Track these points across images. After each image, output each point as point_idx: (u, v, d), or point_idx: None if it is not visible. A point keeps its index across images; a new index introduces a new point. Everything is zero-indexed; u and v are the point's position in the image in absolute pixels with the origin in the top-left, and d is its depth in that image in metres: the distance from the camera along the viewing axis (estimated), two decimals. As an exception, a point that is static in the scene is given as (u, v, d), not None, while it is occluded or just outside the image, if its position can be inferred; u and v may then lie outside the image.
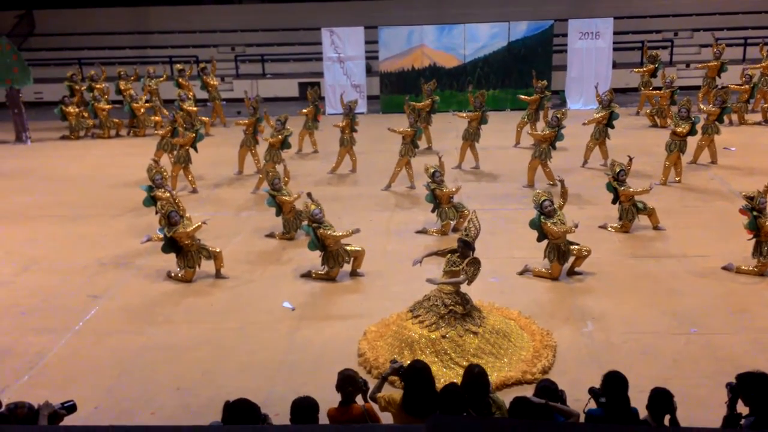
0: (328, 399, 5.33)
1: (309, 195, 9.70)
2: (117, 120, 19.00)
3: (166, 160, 14.05)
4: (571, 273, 9.32)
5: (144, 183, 11.35)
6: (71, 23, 24.92)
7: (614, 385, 5.06)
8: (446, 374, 6.92)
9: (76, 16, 25.02)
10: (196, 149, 13.59)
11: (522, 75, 19.88)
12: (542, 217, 9.07)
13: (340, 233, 9.26)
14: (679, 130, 12.78)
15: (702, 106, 14.33)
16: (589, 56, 20.36)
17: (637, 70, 19.22)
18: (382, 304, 8.60)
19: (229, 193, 13.56)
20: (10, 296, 9.38)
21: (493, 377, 6.62)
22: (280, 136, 13.49)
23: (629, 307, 8.42)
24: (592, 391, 5.17)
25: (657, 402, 4.95)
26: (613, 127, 14.18)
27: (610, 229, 10.83)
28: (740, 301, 8.54)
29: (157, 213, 10.24)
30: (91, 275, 9.93)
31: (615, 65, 20.97)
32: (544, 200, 9.11)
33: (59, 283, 9.72)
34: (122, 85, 19.48)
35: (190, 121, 13.94)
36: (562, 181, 9.62)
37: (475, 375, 5.29)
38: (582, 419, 5.07)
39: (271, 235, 11.09)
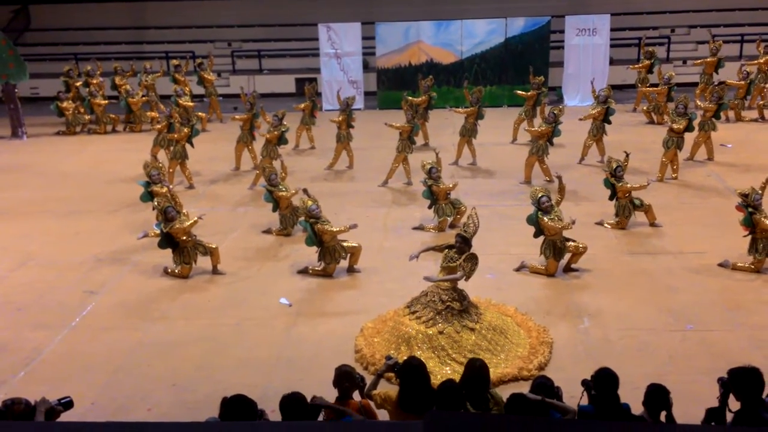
0: (325, 395, 5.33)
1: (305, 191, 9.69)
2: (113, 115, 18.96)
3: (163, 156, 14.03)
4: (568, 269, 9.34)
5: (141, 179, 11.32)
6: (67, 18, 24.82)
7: (605, 382, 5.08)
8: (443, 370, 6.93)
9: (71, 11, 24.91)
10: (192, 144, 13.57)
11: (519, 71, 19.85)
12: (539, 213, 9.09)
13: (337, 229, 9.26)
14: (676, 126, 12.80)
15: (699, 103, 14.35)
16: (586, 53, 20.37)
17: (633, 66, 19.23)
18: (378, 300, 8.61)
19: (225, 189, 13.55)
20: (5, 292, 9.36)
21: (490, 373, 6.61)
22: (276, 132, 13.48)
23: (625, 304, 8.44)
24: (585, 383, 5.18)
25: (653, 398, 4.97)
26: (610, 122, 14.18)
27: (606, 225, 10.85)
28: (736, 297, 8.56)
29: (154, 209, 10.22)
30: (88, 271, 9.91)
31: (612, 62, 20.98)
32: (541, 196, 9.12)
33: (55, 278, 9.70)
34: (118, 80, 19.44)
35: (186, 116, 13.91)
36: (559, 178, 9.63)
37: (477, 369, 5.31)
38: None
39: (268, 231, 11.09)
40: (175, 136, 13.34)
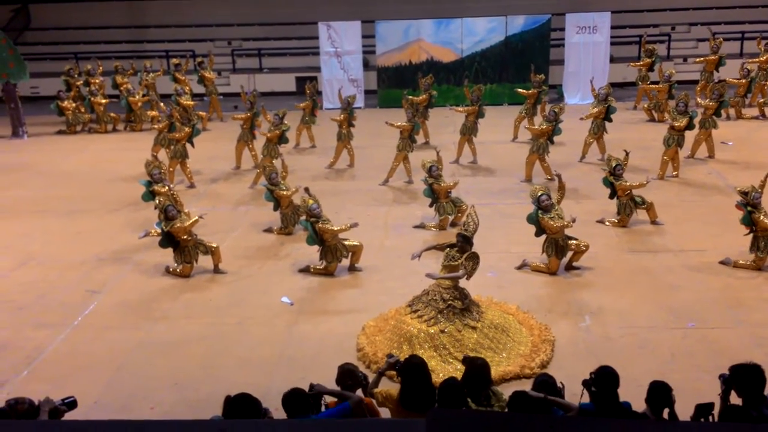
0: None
1: (306, 190, 9.70)
2: (114, 114, 18.96)
3: (163, 155, 14.04)
4: (569, 268, 9.34)
5: (142, 178, 11.33)
6: (67, 17, 24.81)
7: (605, 380, 5.09)
8: (445, 369, 6.94)
9: (72, 10, 24.91)
10: (192, 144, 13.57)
11: (519, 69, 19.87)
12: (539, 211, 9.09)
13: (338, 228, 9.26)
14: (676, 124, 12.80)
15: (700, 101, 14.35)
16: (587, 50, 20.36)
17: (633, 64, 19.23)
18: (380, 298, 8.61)
19: (226, 188, 13.55)
20: (7, 291, 9.37)
21: (492, 372, 6.62)
22: (277, 131, 13.47)
23: (627, 302, 8.44)
24: (585, 384, 5.20)
25: (656, 395, 4.97)
26: (611, 121, 14.18)
27: (607, 223, 10.85)
28: (737, 295, 8.57)
29: (156, 208, 10.23)
30: (89, 270, 9.92)
31: (612, 59, 20.97)
32: (542, 195, 9.13)
33: (57, 278, 9.71)
34: (119, 79, 19.44)
35: (186, 115, 13.91)
36: (559, 176, 9.64)
37: (478, 367, 5.33)
38: None
39: (269, 230, 11.09)
40: (176, 135, 13.34)
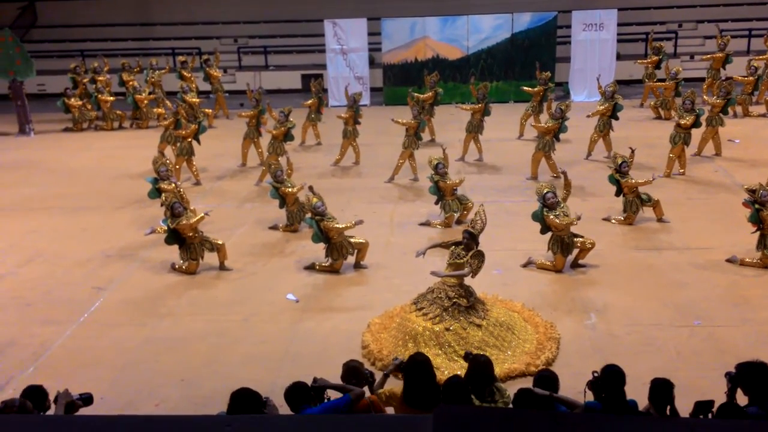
0: (332, 391, 5.34)
1: (310, 188, 9.70)
2: (120, 112, 19.01)
3: (170, 152, 14.07)
4: (575, 265, 9.32)
5: (148, 175, 11.36)
6: (73, 15, 24.89)
7: (611, 378, 5.08)
8: (450, 366, 6.94)
9: (78, 8, 24.98)
10: (198, 141, 13.59)
11: (525, 67, 19.83)
12: (545, 209, 9.07)
13: (343, 225, 9.26)
14: (683, 122, 12.76)
15: (706, 98, 14.30)
16: (593, 48, 20.32)
17: (640, 61, 19.18)
18: (385, 296, 8.62)
19: (232, 185, 13.57)
20: (14, 288, 9.41)
21: (497, 369, 6.62)
22: (283, 128, 13.49)
23: (632, 300, 8.42)
24: (589, 384, 5.20)
25: (658, 392, 4.95)
26: (617, 118, 14.15)
27: (613, 221, 10.83)
28: (744, 293, 8.54)
29: (162, 205, 10.25)
30: (95, 267, 9.95)
31: (619, 57, 20.91)
32: (547, 192, 9.11)
33: (63, 275, 9.75)
34: (125, 76, 19.47)
35: (192, 113, 13.93)
36: (565, 173, 9.61)
37: (481, 364, 5.35)
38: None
39: (274, 227, 11.10)
40: (183, 132, 13.37)
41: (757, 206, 8.96)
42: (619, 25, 20.56)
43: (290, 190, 10.67)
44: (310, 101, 16.16)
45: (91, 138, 18.18)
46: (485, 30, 20.53)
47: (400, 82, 20.50)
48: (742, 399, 5.04)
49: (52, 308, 8.77)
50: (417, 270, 8.51)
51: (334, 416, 4.72)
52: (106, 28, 24.62)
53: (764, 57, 18.15)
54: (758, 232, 9.11)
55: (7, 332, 8.20)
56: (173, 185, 10.61)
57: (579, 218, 9.04)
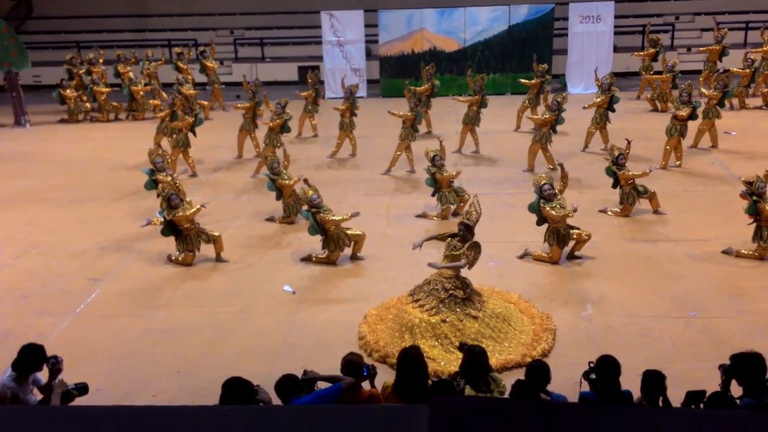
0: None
1: (306, 180, 9.69)
2: (116, 103, 18.96)
3: (166, 144, 14.04)
4: (571, 257, 9.34)
5: (144, 166, 11.34)
6: (69, 6, 24.77)
7: (606, 369, 5.10)
8: (447, 358, 6.96)
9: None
10: (194, 133, 13.56)
11: (522, 59, 19.82)
12: (541, 201, 9.08)
13: (339, 218, 9.26)
14: (679, 114, 12.76)
15: (703, 91, 14.30)
16: (590, 40, 20.30)
17: (637, 53, 19.17)
18: (381, 287, 8.62)
19: (228, 177, 13.55)
20: (10, 279, 9.40)
21: (494, 360, 6.65)
22: (279, 120, 13.47)
23: (628, 291, 8.44)
24: (585, 375, 5.22)
25: (650, 384, 4.97)
26: (614, 110, 14.15)
27: (609, 213, 10.84)
28: (739, 285, 8.56)
29: (158, 196, 10.24)
30: (92, 259, 9.94)
31: (616, 49, 20.89)
32: (544, 184, 9.11)
33: (59, 266, 9.73)
34: (121, 68, 19.41)
35: (188, 104, 13.90)
36: (561, 165, 9.61)
37: (476, 355, 5.37)
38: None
39: (271, 219, 11.10)
40: (179, 124, 13.33)
41: (754, 198, 8.98)
42: (616, 17, 20.53)
43: (287, 182, 10.66)
44: (306, 93, 16.13)
45: (86, 129, 18.13)
46: (482, 22, 20.50)
47: (396, 74, 20.45)
48: (736, 391, 5.07)
49: (49, 300, 8.76)
50: (413, 262, 8.52)
51: (330, 406, 4.73)
52: (102, 19, 24.53)
53: (761, 49, 18.14)
54: (754, 224, 9.13)
55: (3, 324, 8.19)
56: (170, 177, 10.59)
57: (575, 210, 9.05)
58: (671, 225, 10.46)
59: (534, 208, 9.20)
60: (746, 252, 9.20)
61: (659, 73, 17.82)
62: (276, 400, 5.17)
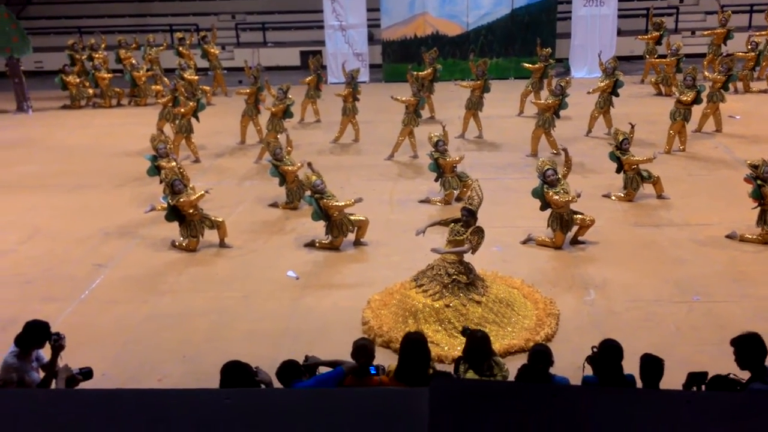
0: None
1: (309, 165, 9.68)
2: (118, 89, 18.92)
3: (169, 130, 14.02)
4: (575, 242, 9.33)
5: (147, 152, 11.33)
6: (70, -9, 24.69)
7: (609, 353, 5.11)
8: (450, 343, 6.98)
9: (75, -16, 24.79)
10: (197, 119, 13.54)
11: (526, 43, 19.70)
12: (545, 186, 9.06)
13: (343, 203, 9.26)
14: (684, 98, 12.70)
15: (707, 74, 14.23)
16: (594, 24, 20.16)
17: (641, 37, 19.05)
18: (385, 273, 8.63)
19: (231, 163, 13.55)
20: (14, 265, 9.42)
21: (497, 345, 6.67)
22: (282, 106, 13.43)
23: (632, 276, 8.44)
24: (588, 359, 5.24)
25: (649, 369, 4.98)
26: (618, 95, 14.10)
27: (613, 198, 10.82)
28: (743, 269, 8.56)
29: (161, 182, 10.24)
30: (96, 244, 9.96)
31: (619, 33, 20.77)
32: (548, 169, 9.09)
33: (63, 252, 9.75)
34: (122, 53, 19.36)
35: (191, 90, 13.87)
36: (565, 150, 9.59)
37: (479, 339, 5.39)
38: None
39: (274, 205, 11.10)
40: (182, 110, 13.31)
41: (759, 182, 8.95)
42: (619, 0, 20.38)
43: (290, 167, 10.65)
44: (308, 78, 16.07)
45: (89, 115, 18.11)
46: (485, 6, 20.37)
47: (399, 58, 20.36)
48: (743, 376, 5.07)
49: (53, 285, 8.79)
50: (417, 247, 8.52)
51: (332, 389, 4.75)
52: (103, 4, 24.44)
53: (765, 33, 18.03)
54: (758, 208, 9.11)
55: (8, 310, 8.21)
56: (173, 162, 10.58)
57: (579, 195, 9.03)
58: (675, 210, 10.44)
59: (537, 193, 9.18)
60: (750, 236, 9.19)
61: (663, 56, 17.72)
62: (277, 384, 5.20)
